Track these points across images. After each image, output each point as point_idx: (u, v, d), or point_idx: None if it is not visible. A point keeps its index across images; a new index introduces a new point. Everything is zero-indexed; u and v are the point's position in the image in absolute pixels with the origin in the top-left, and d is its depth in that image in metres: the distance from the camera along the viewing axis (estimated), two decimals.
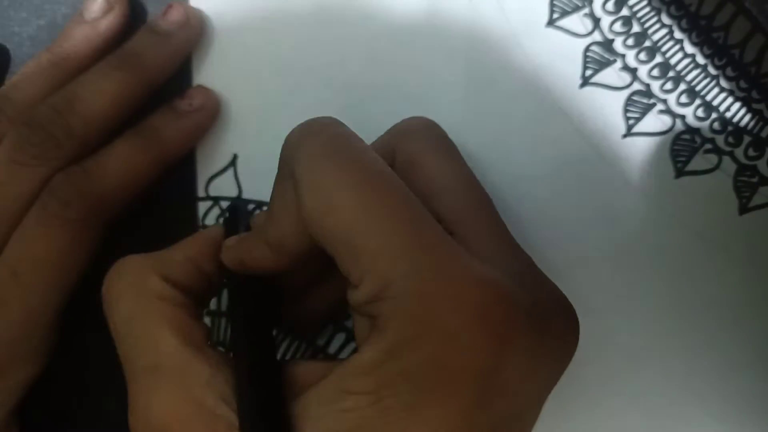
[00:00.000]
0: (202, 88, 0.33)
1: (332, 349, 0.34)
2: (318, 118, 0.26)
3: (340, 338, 0.34)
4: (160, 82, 0.32)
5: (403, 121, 0.29)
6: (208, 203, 0.34)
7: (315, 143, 0.25)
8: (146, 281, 0.27)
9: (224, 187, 0.34)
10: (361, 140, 0.25)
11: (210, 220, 0.34)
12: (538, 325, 0.23)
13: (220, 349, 0.28)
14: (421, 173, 0.27)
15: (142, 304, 0.26)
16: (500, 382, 0.22)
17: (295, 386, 0.25)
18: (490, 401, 0.22)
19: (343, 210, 0.23)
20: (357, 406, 0.22)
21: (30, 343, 0.30)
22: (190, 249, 0.29)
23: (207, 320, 0.34)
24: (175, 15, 0.32)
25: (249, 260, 0.27)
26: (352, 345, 0.33)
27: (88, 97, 0.31)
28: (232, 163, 0.34)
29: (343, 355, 0.34)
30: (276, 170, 0.33)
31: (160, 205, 0.34)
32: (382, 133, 0.33)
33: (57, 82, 0.32)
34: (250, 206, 0.34)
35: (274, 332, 0.28)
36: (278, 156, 0.33)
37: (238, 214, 0.31)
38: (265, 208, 0.33)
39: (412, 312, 0.22)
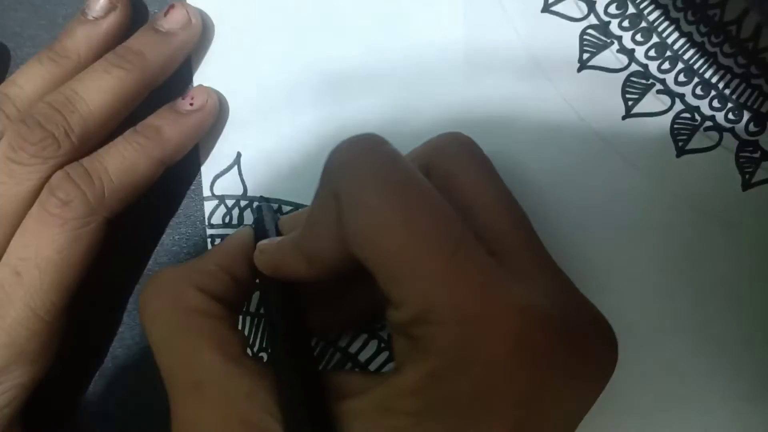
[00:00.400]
0: (203, 88, 0.33)
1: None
2: (364, 136, 0.26)
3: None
4: (160, 81, 0.32)
5: (439, 136, 0.29)
6: (214, 202, 0.34)
7: (362, 163, 0.25)
8: (183, 295, 0.27)
9: (229, 185, 0.34)
10: (405, 159, 0.25)
11: (216, 219, 0.34)
12: (578, 349, 0.23)
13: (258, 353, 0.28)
14: (457, 189, 0.26)
15: (180, 320, 0.27)
16: (540, 407, 0.23)
17: (334, 397, 0.25)
18: (530, 426, 0.23)
19: (388, 232, 0.23)
20: (399, 426, 0.23)
21: (34, 342, 0.30)
22: (222, 257, 0.29)
23: None
24: (177, 15, 0.32)
25: (283, 267, 0.27)
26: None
27: (88, 95, 0.31)
28: (236, 161, 0.34)
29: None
30: (276, 168, 0.34)
31: (166, 204, 0.34)
32: (383, 125, 0.33)
33: (57, 80, 0.32)
34: (273, 205, 0.34)
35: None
36: (280, 153, 0.34)
37: (265, 215, 0.31)
38: (288, 208, 0.34)
39: (455, 338, 0.22)
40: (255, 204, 0.34)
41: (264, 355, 0.34)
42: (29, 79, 0.32)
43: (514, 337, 0.22)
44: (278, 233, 0.30)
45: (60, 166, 0.30)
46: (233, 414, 0.24)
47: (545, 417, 0.23)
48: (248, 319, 0.34)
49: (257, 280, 0.30)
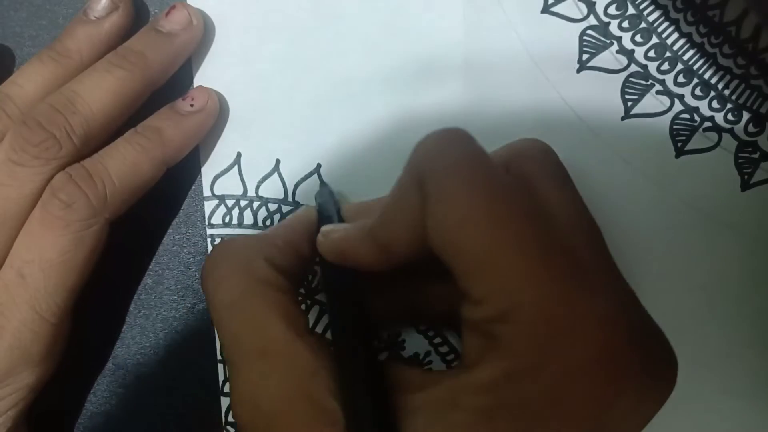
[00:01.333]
0: (203, 89, 0.33)
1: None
2: (452, 129, 0.26)
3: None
4: (161, 82, 0.33)
5: (519, 140, 0.28)
6: (214, 202, 0.34)
7: (451, 156, 0.24)
8: (252, 265, 0.27)
9: (229, 185, 0.34)
10: (491, 157, 0.25)
11: (216, 219, 0.34)
12: (649, 364, 0.23)
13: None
14: (534, 194, 0.26)
15: (248, 288, 0.26)
16: (608, 420, 0.23)
17: (396, 389, 0.25)
18: None
19: (476, 226, 0.23)
20: (467, 422, 0.23)
21: (39, 344, 0.30)
22: (289, 233, 0.29)
23: None
24: (178, 15, 0.32)
25: (352, 254, 0.27)
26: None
27: (89, 96, 0.31)
28: (237, 161, 0.34)
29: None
30: (274, 166, 0.34)
31: (167, 204, 0.35)
32: (383, 125, 0.33)
33: (58, 80, 0.32)
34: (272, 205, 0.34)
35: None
36: (280, 153, 0.34)
37: (328, 198, 0.31)
38: (288, 208, 0.34)
39: (537, 340, 0.22)
40: (319, 188, 0.33)
41: None
42: (30, 79, 0.32)
43: (597, 346, 0.22)
44: (341, 219, 0.30)
45: (62, 168, 0.30)
46: (298, 387, 0.24)
47: (612, 429, 0.23)
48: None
49: (317, 261, 0.30)
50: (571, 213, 0.26)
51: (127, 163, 0.31)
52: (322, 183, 0.34)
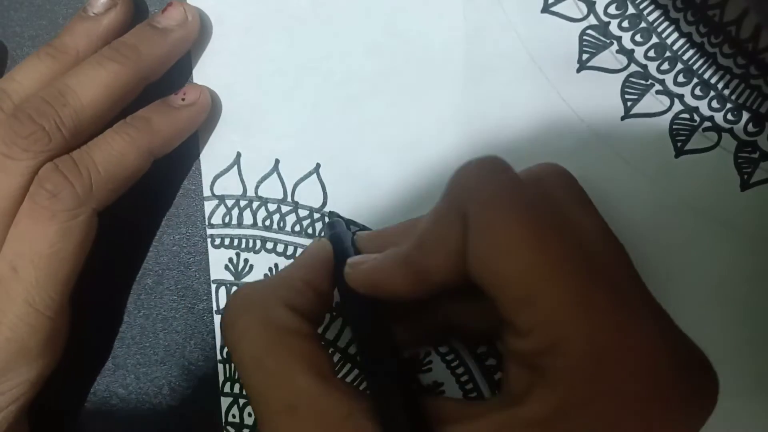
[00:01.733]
0: (196, 85, 0.33)
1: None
2: (492, 158, 0.26)
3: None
4: (154, 77, 0.33)
5: (539, 166, 0.28)
6: (214, 202, 0.34)
7: (494, 186, 0.24)
8: (273, 313, 0.26)
9: (229, 185, 0.34)
10: (531, 186, 0.25)
11: (216, 219, 0.34)
12: (694, 389, 0.23)
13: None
14: (569, 224, 0.26)
15: (271, 339, 0.26)
16: None
17: (435, 421, 0.24)
18: None
19: (521, 257, 0.23)
20: None
21: (37, 338, 0.30)
22: (307, 272, 0.28)
23: None
24: (174, 12, 0.32)
25: (386, 284, 0.26)
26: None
27: (80, 89, 0.31)
28: (236, 161, 0.34)
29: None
30: (273, 166, 0.34)
31: (167, 204, 0.35)
32: (383, 126, 0.33)
33: (54, 75, 0.32)
34: (258, 204, 0.34)
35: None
36: (280, 153, 0.34)
37: (341, 229, 0.31)
38: (288, 208, 0.34)
39: (588, 373, 0.22)
40: (327, 219, 0.33)
41: None
42: (27, 75, 0.32)
43: (647, 374, 0.22)
44: (356, 250, 0.30)
45: (51, 159, 0.30)
46: None
47: None
48: None
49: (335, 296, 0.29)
50: (602, 239, 0.26)
51: (113, 152, 0.31)
52: (331, 214, 0.33)
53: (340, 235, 0.30)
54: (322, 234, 0.33)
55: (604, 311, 0.22)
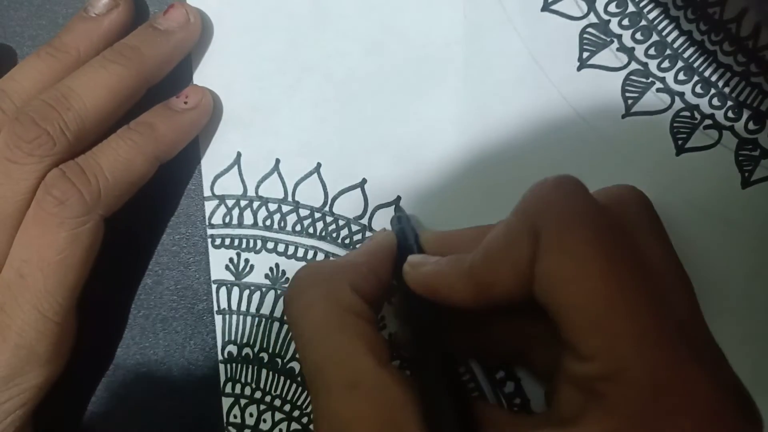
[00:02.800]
0: (198, 87, 0.33)
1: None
2: (569, 178, 0.25)
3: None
4: (157, 79, 0.32)
5: (617, 187, 0.28)
6: (215, 202, 0.34)
7: (571, 206, 0.24)
8: (340, 292, 0.27)
9: (229, 185, 0.34)
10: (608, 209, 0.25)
11: (216, 219, 0.34)
12: (744, 427, 0.23)
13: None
14: (639, 251, 0.25)
15: (336, 317, 0.26)
16: None
17: (483, 427, 0.24)
18: None
19: (590, 281, 0.23)
20: None
21: (45, 344, 0.30)
22: (372, 260, 0.29)
23: None
24: (176, 14, 0.32)
25: (445, 290, 0.26)
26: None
27: (83, 91, 0.30)
28: (237, 161, 0.34)
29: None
30: (274, 166, 0.34)
31: (166, 204, 0.35)
32: (383, 125, 0.33)
33: (55, 75, 0.32)
34: (259, 204, 0.34)
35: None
36: (280, 153, 0.34)
37: (406, 225, 0.31)
38: (288, 208, 0.34)
39: (646, 405, 0.22)
40: (395, 214, 0.33)
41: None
42: (27, 75, 0.32)
43: (702, 414, 0.22)
44: (419, 247, 0.30)
45: (56, 164, 0.30)
46: (390, 420, 0.24)
47: None
48: None
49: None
50: (671, 269, 0.26)
51: (120, 158, 0.31)
52: (398, 208, 0.33)
53: (406, 231, 0.30)
54: (392, 223, 0.33)
55: (667, 346, 0.22)
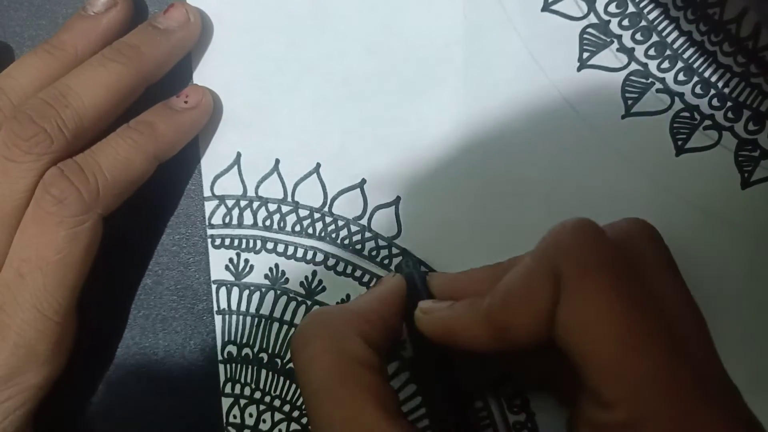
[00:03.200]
0: (198, 87, 0.33)
1: None
2: (587, 223, 0.25)
3: None
4: (156, 78, 0.32)
5: (626, 222, 0.28)
6: (215, 202, 0.34)
7: (591, 251, 0.24)
8: (347, 342, 0.26)
9: (229, 185, 0.34)
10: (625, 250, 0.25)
11: (216, 219, 0.34)
12: None
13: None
14: (647, 283, 0.25)
15: (343, 369, 0.26)
16: None
17: None
18: None
19: (612, 328, 0.23)
20: None
21: (45, 343, 0.30)
22: (381, 306, 0.29)
23: None
24: (176, 13, 0.32)
25: (461, 334, 0.26)
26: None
27: (82, 90, 0.30)
28: (236, 161, 0.34)
29: None
30: (273, 166, 0.34)
31: (166, 204, 0.35)
32: (383, 125, 0.33)
33: (52, 72, 0.32)
34: (257, 203, 0.34)
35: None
36: (280, 153, 0.34)
37: (414, 269, 0.31)
38: (288, 208, 0.34)
39: None
40: (402, 259, 0.33)
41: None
42: (24, 72, 0.32)
43: None
44: (428, 291, 0.30)
45: (55, 163, 0.30)
46: None
47: None
48: None
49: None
50: (685, 307, 0.26)
51: (119, 157, 0.31)
52: (405, 252, 0.33)
53: (414, 275, 0.30)
54: (399, 268, 0.33)
55: (688, 392, 0.22)
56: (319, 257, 0.34)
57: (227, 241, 0.34)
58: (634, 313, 0.23)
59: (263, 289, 0.34)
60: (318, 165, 0.34)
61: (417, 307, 0.29)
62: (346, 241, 0.34)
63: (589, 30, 0.32)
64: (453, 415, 0.26)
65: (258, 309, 0.34)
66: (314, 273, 0.34)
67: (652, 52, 0.32)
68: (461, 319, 0.26)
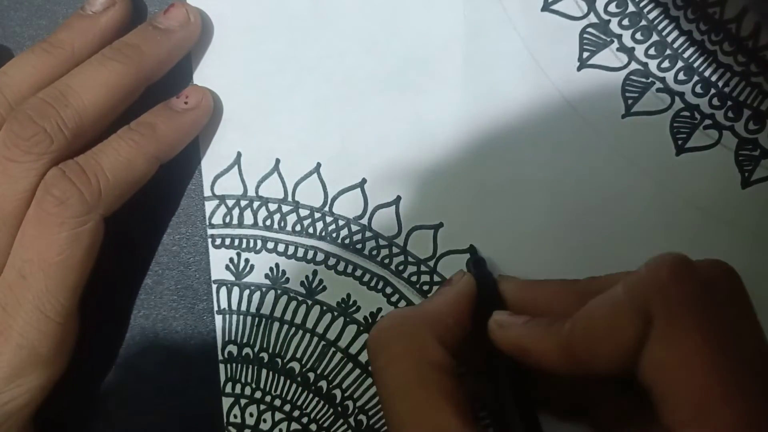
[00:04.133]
0: (198, 87, 0.33)
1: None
2: (683, 261, 0.25)
3: None
4: (156, 77, 0.32)
5: (708, 264, 0.27)
6: (215, 202, 0.34)
7: (685, 295, 0.24)
8: (427, 348, 0.26)
9: (229, 185, 0.34)
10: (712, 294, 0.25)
11: (217, 219, 0.34)
12: None
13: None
14: (734, 332, 0.25)
15: (422, 373, 0.26)
16: None
17: None
18: None
19: (702, 375, 0.23)
20: None
21: (47, 344, 0.30)
22: (456, 309, 0.29)
23: None
24: (176, 13, 0.32)
25: (535, 355, 0.26)
26: None
27: (82, 89, 0.30)
28: (237, 161, 0.34)
29: None
30: (274, 166, 0.34)
31: (167, 204, 0.34)
32: (383, 125, 0.33)
33: (48, 70, 0.31)
34: (257, 203, 0.34)
35: None
36: (280, 153, 0.34)
37: (485, 271, 0.31)
38: (288, 207, 0.34)
39: None
40: (474, 259, 0.33)
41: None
42: (20, 69, 0.32)
43: None
44: (500, 297, 0.30)
45: (55, 162, 0.30)
46: None
47: None
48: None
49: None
50: (762, 349, 0.25)
51: (120, 158, 0.30)
52: (473, 250, 0.33)
53: (485, 277, 0.30)
54: (468, 266, 0.33)
55: None
56: (320, 257, 0.34)
57: (227, 241, 0.34)
58: (725, 360, 0.23)
59: (264, 289, 0.34)
60: (318, 165, 0.34)
61: (490, 314, 0.29)
62: (347, 241, 0.34)
63: (589, 29, 0.32)
64: (524, 423, 0.26)
65: (258, 309, 0.34)
66: (315, 272, 0.34)
67: (652, 51, 0.32)
68: (538, 340, 0.26)
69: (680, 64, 0.32)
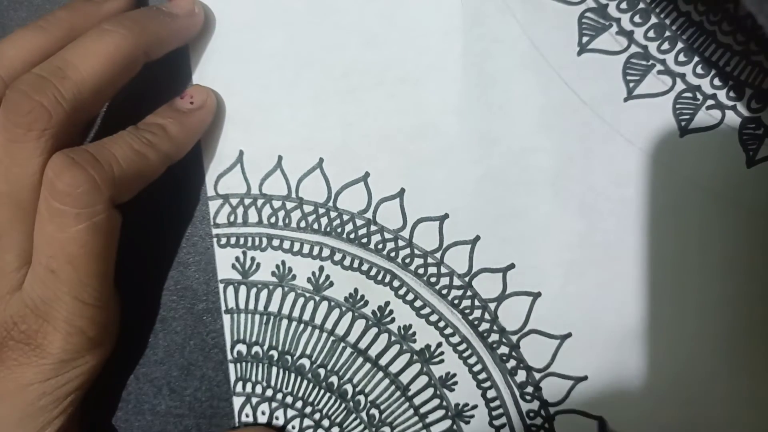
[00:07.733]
0: (201, 87, 0.33)
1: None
2: None
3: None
4: (155, 54, 0.32)
5: None
6: (219, 201, 0.34)
7: None
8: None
9: (233, 184, 0.34)
10: None
11: (221, 218, 0.34)
12: None
13: None
14: None
15: None
16: None
17: None
18: None
19: None
20: None
21: (95, 329, 0.31)
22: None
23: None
24: (184, 3, 0.32)
25: None
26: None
27: (79, 61, 0.29)
28: (239, 159, 0.34)
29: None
30: (276, 163, 0.34)
31: (168, 204, 0.34)
32: (384, 118, 0.33)
33: (43, 46, 0.30)
34: (260, 201, 0.34)
35: None
36: (282, 149, 0.34)
37: None
38: (292, 205, 0.34)
39: None
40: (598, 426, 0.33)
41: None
42: (13, 45, 0.30)
43: None
44: None
45: (57, 139, 0.29)
46: None
47: None
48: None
49: None
50: None
51: (133, 150, 0.30)
52: (601, 420, 0.33)
53: None
54: None
55: None
56: (326, 252, 0.34)
57: (233, 240, 0.34)
58: None
59: (271, 287, 0.34)
60: (321, 160, 0.33)
61: None
62: (352, 235, 0.34)
63: (588, 14, 0.32)
64: None
65: (266, 306, 0.34)
66: (321, 268, 0.34)
67: (651, 33, 0.32)
68: None
69: (680, 45, 0.32)
